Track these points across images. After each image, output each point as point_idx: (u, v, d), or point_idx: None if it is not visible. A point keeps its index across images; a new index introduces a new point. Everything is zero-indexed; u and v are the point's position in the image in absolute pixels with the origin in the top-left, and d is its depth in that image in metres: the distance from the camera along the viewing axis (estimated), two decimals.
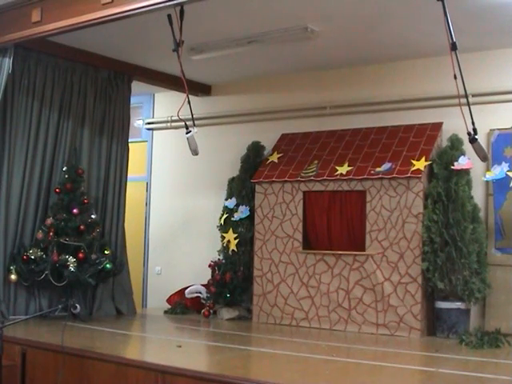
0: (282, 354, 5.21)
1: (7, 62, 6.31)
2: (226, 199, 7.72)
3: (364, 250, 6.49)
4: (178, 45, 5.25)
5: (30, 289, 6.79)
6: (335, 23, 6.02)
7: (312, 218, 6.89)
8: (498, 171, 6.23)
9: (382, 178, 6.43)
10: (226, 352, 5.39)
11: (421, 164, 6.28)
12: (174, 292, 8.00)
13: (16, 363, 5.30)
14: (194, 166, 8.22)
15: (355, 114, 7.38)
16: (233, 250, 7.43)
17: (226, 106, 8.39)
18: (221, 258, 7.54)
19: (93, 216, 6.99)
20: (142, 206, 9.02)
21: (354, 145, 6.98)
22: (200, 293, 7.63)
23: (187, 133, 5.59)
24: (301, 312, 6.80)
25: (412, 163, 6.32)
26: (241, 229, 7.44)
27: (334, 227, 6.79)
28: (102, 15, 5.40)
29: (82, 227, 6.81)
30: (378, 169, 6.49)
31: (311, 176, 6.82)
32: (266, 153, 7.74)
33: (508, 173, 6.24)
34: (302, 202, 6.89)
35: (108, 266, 6.85)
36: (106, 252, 7.00)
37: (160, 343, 5.96)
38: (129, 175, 7.78)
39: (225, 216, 7.62)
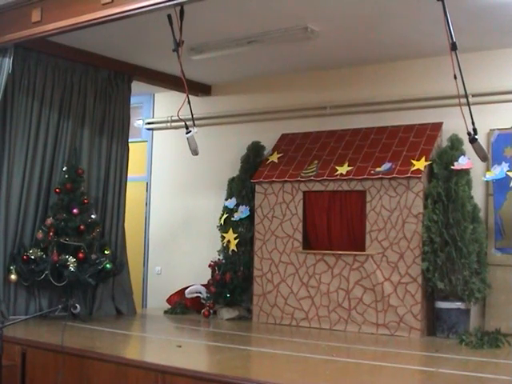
0: (281, 354, 5.21)
1: (7, 62, 6.31)
2: (226, 199, 7.72)
3: (364, 250, 6.49)
4: (178, 45, 5.25)
5: (30, 289, 6.79)
6: (335, 23, 6.03)
7: (312, 218, 6.89)
8: (498, 171, 6.22)
9: (381, 178, 6.43)
10: (226, 352, 5.39)
11: (421, 164, 6.28)
12: (174, 292, 8.00)
13: (16, 363, 5.30)
14: (193, 166, 8.22)
15: (355, 113, 7.38)
16: (233, 250, 7.43)
17: (226, 106, 8.39)
18: (221, 257, 7.54)
19: (93, 216, 6.99)
20: (142, 206, 9.02)
21: (354, 145, 6.98)
22: (200, 293, 7.63)
23: (187, 133, 5.59)
24: (301, 312, 6.80)
25: (412, 163, 6.32)
26: (241, 229, 7.44)
27: (334, 227, 6.79)
28: (101, 15, 5.40)
29: (81, 227, 6.81)
30: (377, 169, 6.49)
31: (311, 176, 6.82)
32: (266, 153, 7.74)
33: (508, 173, 6.24)
34: (301, 202, 6.89)
35: (108, 266, 6.85)
36: (106, 252, 7.00)
37: (160, 343, 5.96)
38: (129, 175, 7.78)
39: (225, 216, 7.62)
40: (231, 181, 7.82)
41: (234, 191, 7.68)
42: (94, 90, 7.38)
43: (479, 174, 6.38)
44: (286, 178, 6.96)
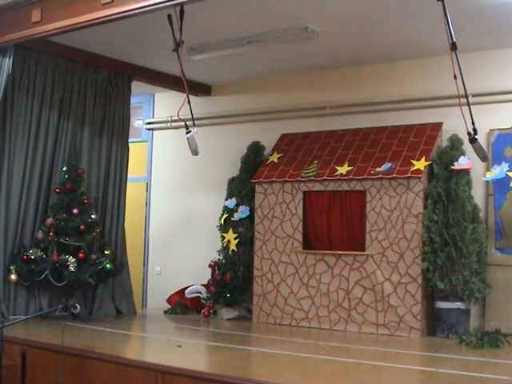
0: (281, 354, 5.21)
1: (7, 62, 6.31)
2: (226, 199, 7.72)
3: (364, 250, 6.49)
4: (178, 45, 5.26)
5: (30, 289, 6.79)
6: (335, 23, 6.03)
7: (312, 218, 6.89)
8: (498, 171, 6.22)
9: (381, 178, 6.43)
10: (226, 352, 5.39)
11: (421, 164, 6.28)
12: (174, 292, 8.00)
13: (16, 363, 5.29)
14: (194, 166, 8.22)
15: (355, 113, 7.38)
16: (233, 250, 7.43)
17: (226, 106, 8.39)
18: (221, 257, 7.54)
19: (93, 216, 6.99)
20: (142, 206, 9.02)
21: (354, 145, 6.97)
22: (200, 293, 7.63)
23: (187, 133, 5.59)
24: (301, 312, 6.80)
25: (412, 163, 6.32)
26: (241, 229, 7.44)
27: (334, 227, 6.79)
28: (102, 15, 5.40)
29: (81, 227, 6.81)
30: (377, 169, 6.49)
31: (311, 176, 6.82)
32: (266, 153, 7.74)
33: (508, 173, 6.24)
34: (301, 202, 6.89)
35: (108, 266, 6.85)
36: (106, 252, 7.00)
37: (160, 343, 5.96)
38: (129, 175, 7.78)
39: (225, 216, 7.62)
40: (231, 181, 7.82)
41: (233, 191, 7.68)
42: (93, 90, 7.38)
43: (479, 173, 6.38)
44: (285, 178, 6.96)
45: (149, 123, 9.08)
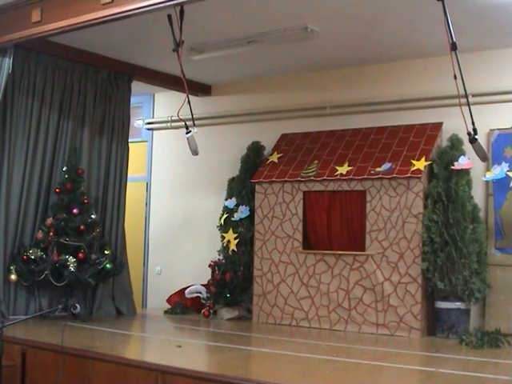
0: (281, 354, 5.21)
1: (7, 62, 6.31)
2: (226, 199, 7.72)
3: (364, 250, 6.49)
4: (178, 45, 5.25)
5: (30, 289, 6.79)
6: (335, 23, 6.03)
7: (312, 218, 6.89)
8: (498, 171, 6.23)
9: (381, 178, 6.43)
10: (226, 352, 5.39)
11: (421, 164, 6.28)
12: (174, 292, 8.00)
13: (16, 363, 5.29)
14: (194, 166, 8.22)
15: (355, 113, 7.38)
16: (233, 250, 7.43)
17: (226, 105, 8.39)
18: (221, 257, 7.54)
19: (93, 216, 6.98)
20: (142, 206, 9.02)
21: (354, 145, 6.97)
22: (200, 293, 7.63)
23: (187, 133, 5.59)
24: (301, 312, 6.80)
25: (412, 163, 6.32)
26: (241, 229, 7.44)
27: (334, 227, 6.79)
28: (101, 15, 5.40)
29: (81, 227, 6.81)
30: (377, 169, 6.49)
31: (311, 176, 6.82)
32: (266, 153, 7.74)
33: (508, 173, 6.24)
34: (301, 201, 6.89)
35: (108, 266, 6.85)
36: (106, 252, 6.99)
37: (160, 343, 5.96)
38: (129, 175, 7.78)
39: (225, 216, 7.62)
40: (231, 181, 7.82)
41: (234, 191, 7.68)
42: (93, 90, 7.38)
43: (479, 174, 6.38)
44: (285, 178, 6.96)
45: (149, 123, 9.08)
